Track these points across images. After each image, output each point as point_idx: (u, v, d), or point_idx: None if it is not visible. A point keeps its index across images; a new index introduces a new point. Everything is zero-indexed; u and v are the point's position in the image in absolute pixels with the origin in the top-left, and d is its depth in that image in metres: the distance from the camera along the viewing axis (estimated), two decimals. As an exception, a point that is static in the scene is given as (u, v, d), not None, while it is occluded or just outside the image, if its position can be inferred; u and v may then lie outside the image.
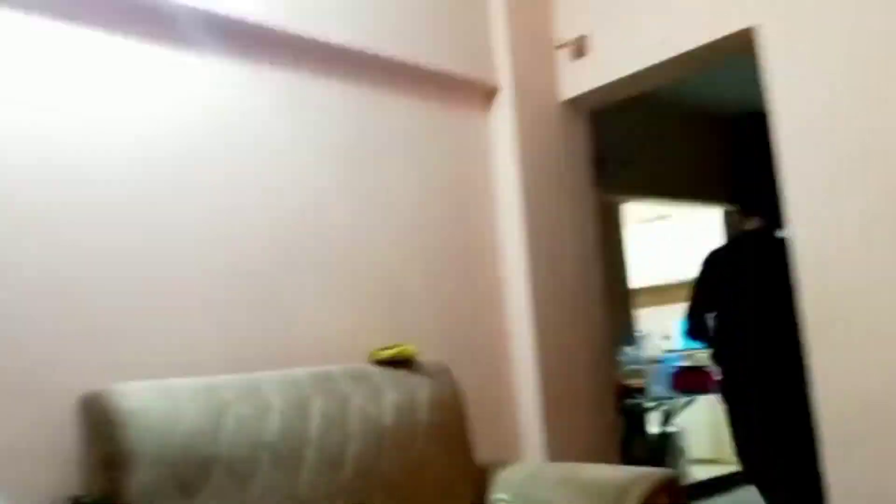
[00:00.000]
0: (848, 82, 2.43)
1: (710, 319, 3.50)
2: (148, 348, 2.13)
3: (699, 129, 5.90)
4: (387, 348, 2.47)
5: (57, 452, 1.92)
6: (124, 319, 2.10)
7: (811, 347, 2.47)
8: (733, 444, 3.48)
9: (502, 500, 2.30)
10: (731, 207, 5.85)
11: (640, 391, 4.36)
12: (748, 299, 3.33)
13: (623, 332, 5.27)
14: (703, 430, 6.12)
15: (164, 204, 2.23)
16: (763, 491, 3.37)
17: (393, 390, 2.35)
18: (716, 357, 3.48)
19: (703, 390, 4.31)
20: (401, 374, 2.43)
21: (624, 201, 5.58)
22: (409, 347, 2.49)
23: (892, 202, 2.32)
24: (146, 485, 1.76)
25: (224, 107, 2.40)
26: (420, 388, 2.42)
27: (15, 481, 1.85)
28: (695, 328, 3.53)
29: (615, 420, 3.39)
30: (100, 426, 1.83)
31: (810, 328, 2.47)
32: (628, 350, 5.06)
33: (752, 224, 3.46)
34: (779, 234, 3.03)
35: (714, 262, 3.51)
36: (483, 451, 2.58)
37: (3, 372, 1.89)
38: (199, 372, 2.11)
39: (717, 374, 3.61)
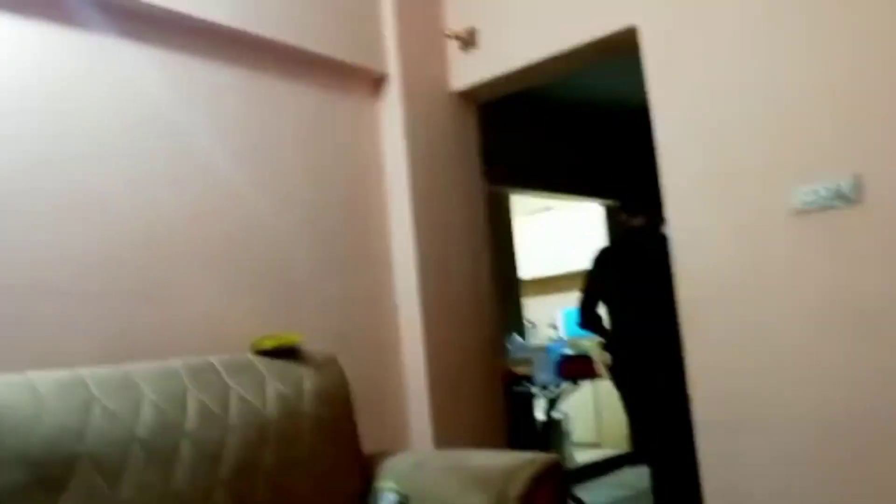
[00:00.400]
0: (726, 81, 2.54)
1: (602, 310, 3.67)
2: (11, 339, 1.98)
3: (584, 124, 6.07)
4: (270, 338, 2.41)
5: None
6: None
7: (685, 339, 2.58)
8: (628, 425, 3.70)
9: (389, 488, 2.28)
10: (614, 203, 6.05)
11: (527, 378, 4.44)
12: (635, 293, 3.49)
13: (511, 320, 5.37)
14: (586, 415, 6.34)
15: (29, 187, 2.08)
16: (652, 468, 3.55)
17: (276, 381, 2.29)
18: (608, 347, 3.66)
19: (588, 377, 4.44)
20: (285, 364, 2.37)
21: (511, 193, 5.67)
22: (293, 336, 2.44)
23: (765, 204, 2.45)
24: (6, 485, 1.65)
25: (103, 86, 2.27)
26: (305, 379, 2.37)
27: None
28: (587, 320, 3.74)
29: (503, 407, 3.45)
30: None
31: (685, 321, 2.59)
32: (516, 338, 5.16)
33: (638, 221, 3.62)
34: (663, 230, 3.15)
35: (602, 259, 3.71)
36: (371, 442, 2.55)
37: None
38: (69, 364, 1.97)
39: (608, 362, 3.80)
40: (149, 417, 1.93)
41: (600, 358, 3.98)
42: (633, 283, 3.52)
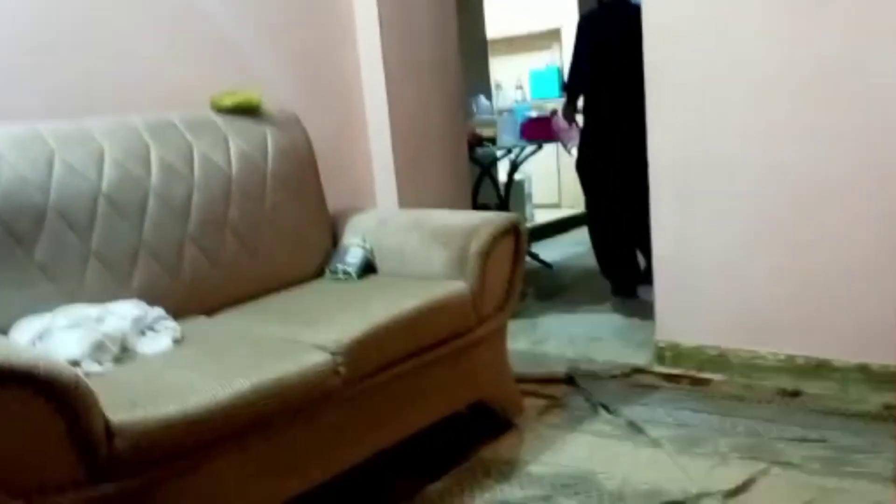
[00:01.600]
0: None
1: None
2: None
3: None
4: (230, 94, 2.34)
5: None
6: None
7: (648, 104, 2.57)
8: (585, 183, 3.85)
9: (355, 244, 2.36)
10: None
11: (492, 140, 4.46)
12: (613, 59, 3.43)
13: (477, 81, 5.27)
14: (548, 177, 6.48)
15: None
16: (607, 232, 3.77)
17: (238, 138, 2.27)
18: (585, 110, 3.75)
19: (550, 139, 4.47)
20: (246, 122, 2.33)
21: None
22: (253, 94, 2.37)
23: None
24: (-29, 238, 1.66)
25: None
26: (267, 137, 2.35)
27: None
28: (574, 84, 3.83)
29: (466, 168, 3.50)
30: None
31: (648, 81, 2.56)
32: (482, 100, 5.10)
33: None
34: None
35: (584, 26, 3.70)
36: (336, 201, 2.59)
37: None
38: (13, 118, 1.90)
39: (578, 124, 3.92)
40: (112, 172, 1.92)
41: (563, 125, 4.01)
42: (611, 49, 3.46)
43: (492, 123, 4.54)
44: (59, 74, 2.08)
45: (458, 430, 2.26)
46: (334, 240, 2.47)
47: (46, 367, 1.22)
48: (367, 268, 2.34)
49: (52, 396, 1.23)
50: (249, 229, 2.21)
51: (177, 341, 1.73)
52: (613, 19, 3.53)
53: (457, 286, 2.08)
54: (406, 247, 2.31)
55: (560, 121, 4.04)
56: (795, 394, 2.36)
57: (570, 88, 3.90)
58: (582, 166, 3.81)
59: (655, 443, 2.12)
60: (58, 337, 1.54)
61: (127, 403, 1.36)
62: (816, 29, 2.24)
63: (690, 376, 2.57)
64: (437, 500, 1.92)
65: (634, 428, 2.22)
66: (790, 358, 2.44)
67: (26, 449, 1.25)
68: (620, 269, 3.71)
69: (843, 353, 2.35)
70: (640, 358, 2.78)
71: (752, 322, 2.50)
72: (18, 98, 1.99)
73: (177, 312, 1.88)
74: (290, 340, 1.74)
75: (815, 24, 2.24)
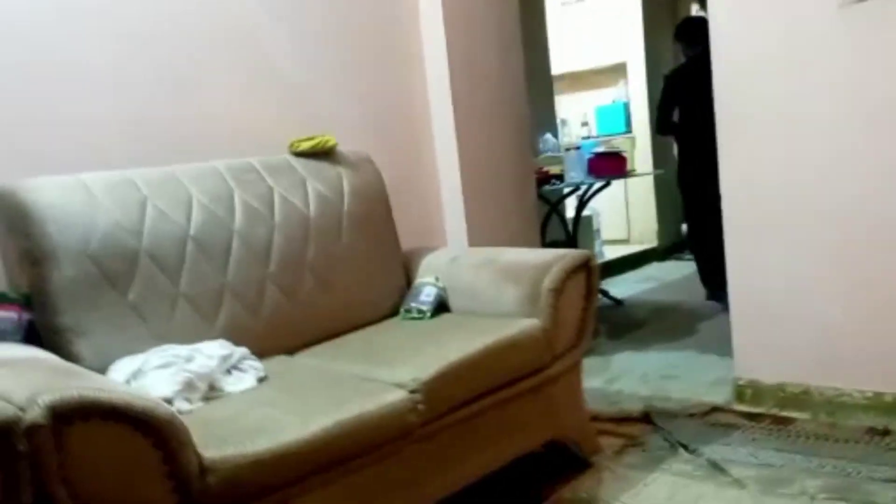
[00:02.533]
0: None
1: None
2: (54, 140, 2.01)
3: None
4: (307, 139, 2.43)
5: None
6: (26, 108, 1.96)
7: (720, 138, 2.55)
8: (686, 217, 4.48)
9: (429, 282, 2.39)
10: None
11: (559, 177, 4.46)
12: (700, 104, 3.47)
13: (543, 118, 5.30)
14: (616, 212, 6.42)
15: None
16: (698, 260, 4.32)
17: (315, 181, 2.34)
18: (680, 155, 4.31)
19: (618, 175, 4.45)
20: (322, 164, 2.41)
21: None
22: (329, 138, 2.45)
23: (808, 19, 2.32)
24: (71, 279, 1.75)
25: None
26: (343, 178, 2.42)
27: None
28: (663, 126, 4.36)
29: (534, 206, 3.51)
30: (16, 222, 1.77)
31: (718, 106, 2.54)
32: (548, 137, 5.12)
33: (696, 50, 3.97)
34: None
35: (672, 78, 4.29)
36: (406, 239, 2.63)
37: None
38: (107, 166, 2.00)
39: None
40: (199, 216, 2.01)
41: None
42: (697, 96, 3.55)
43: (559, 160, 4.54)
44: (148, 123, 2.20)
45: (534, 469, 2.25)
46: (407, 278, 2.51)
47: (143, 404, 1.28)
48: (441, 306, 2.36)
49: (149, 432, 1.28)
50: (327, 269, 2.27)
51: (261, 380, 1.78)
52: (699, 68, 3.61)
53: (530, 323, 2.09)
54: (478, 284, 2.33)
55: None
56: (885, 432, 2.26)
57: (660, 131, 4.46)
58: (682, 180, 4.26)
59: (739, 483, 2.06)
60: (150, 376, 1.60)
61: (217, 441, 1.41)
62: (887, 62, 2.20)
63: (772, 415, 2.50)
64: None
65: (716, 468, 2.16)
66: (878, 395, 2.35)
67: (124, 482, 1.30)
68: (718, 276, 3.68)
69: (934, 391, 2.26)
70: (718, 395, 2.71)
71: (835, 358, 2.42)
72: (113, 146, 2.11)
73: (258, 351, 1.93)
74: (368, 379, 1.78)
75: (886, 58, 2.20)
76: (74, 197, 1.83)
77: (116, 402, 1.25)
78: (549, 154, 4.72)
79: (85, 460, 1.24)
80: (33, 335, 1.75)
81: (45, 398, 1.18)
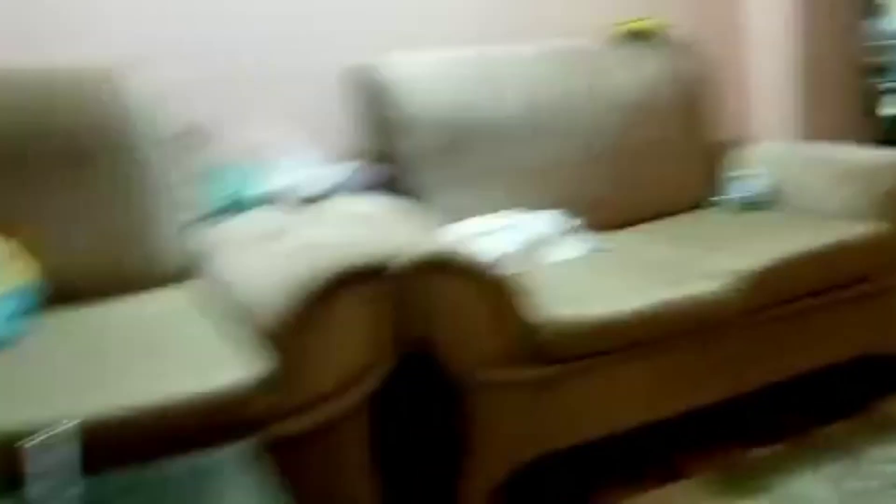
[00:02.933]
0: None
1: None
2: (402, 22, 2.18)
3: None
4: (635, 22, 2.38)
5: (328, 120, 2.07)
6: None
7: None
8: None
9: (751, 175, 2.27)
10: None
11: (880, 70, 3.94)
12: None
13: (865, 5, 4.66)
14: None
15: None
16: None
17: (638, 66, 2.31)
18: None
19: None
20: (646, 49, 2.36)
21: None
22: (658, 21, 2.39)
23: None
24: (420, 146, 1.95)
25: None
26: (665, 64, 2.36)
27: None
28: None
29: (859, 101, 3.17)
30: (375, 95, 1.98)
31: None
32: (871, 22, 4.50)
33: None
34: None
35: None
36: (722, 129, 2.52)
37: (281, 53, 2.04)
38: (453, 42, 2.15)
39: None
40: (535, 95, 2.10)
41: None
42: None
43: (881, 50, 3.99)
44: (490, 5, 2.31)
45: (849, 380, 2.13)
46: (723, 169, 2.41)
47: (487, 262, 1.44)
48: (763, 201, 2.25)
49: (492, 287, 1.43)
50: (644, 155, 2.26)
51: (592, 251, 1.86)
52: None
53: (875, 226, 1.94)
54: (814, 181, 2.19)
55: None
56: None
57: None
58: None
59: None
60: (493, 237, 1.75)
61: (558, 301, 1.52)
62: None
63: None
64: (824, 443, 1.85)
65: None
66: None
67: (464, 328, 1.46)
68: None
69: None
70: None
71: None
72: (456, 24, 2.25)
73: (586, 226, 2.01)
74: (695, 263, 1.77)
75: None
76: (424, 72, 2.00)
77: (466, 260, 1.41)
78: (872, 43, 4.17)
79: (440, 305, 1.42)
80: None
81: (410, 251, 1.36)
